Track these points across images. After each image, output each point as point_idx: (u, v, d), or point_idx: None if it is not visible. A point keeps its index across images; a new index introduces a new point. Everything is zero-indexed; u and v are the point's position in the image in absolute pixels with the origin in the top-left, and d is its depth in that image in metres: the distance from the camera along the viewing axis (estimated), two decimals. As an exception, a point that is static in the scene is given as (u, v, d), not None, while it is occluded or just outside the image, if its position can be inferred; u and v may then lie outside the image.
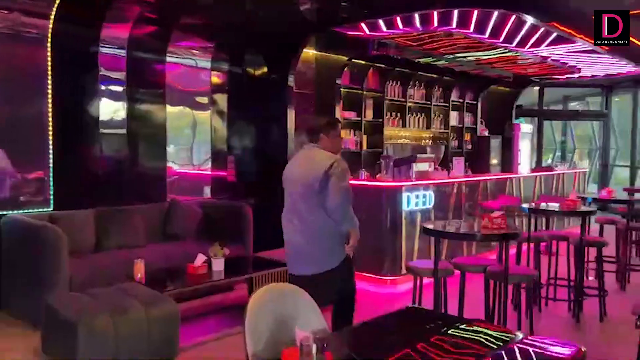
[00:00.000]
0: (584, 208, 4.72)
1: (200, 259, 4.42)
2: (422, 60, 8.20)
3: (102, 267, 4.56)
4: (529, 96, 12.65)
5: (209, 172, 6.81)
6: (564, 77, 10.56)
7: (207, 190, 6.80)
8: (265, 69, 6.92)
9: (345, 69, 7.81)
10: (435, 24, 6.11)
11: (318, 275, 3.20)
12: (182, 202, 5.90)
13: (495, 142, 10.68)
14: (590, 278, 5.53)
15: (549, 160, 13.90)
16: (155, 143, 6.10)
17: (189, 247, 5.17)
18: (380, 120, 8.36)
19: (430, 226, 3.64)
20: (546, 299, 4.98)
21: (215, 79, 6.77)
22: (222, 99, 6.87)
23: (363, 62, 8.09)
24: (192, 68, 6.50)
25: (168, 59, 6.10)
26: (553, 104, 14.35)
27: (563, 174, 9.52)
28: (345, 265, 3.30)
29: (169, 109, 6.19)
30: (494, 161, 10.65)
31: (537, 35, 6.83)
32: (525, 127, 11.78)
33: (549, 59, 8.38)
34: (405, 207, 5.89)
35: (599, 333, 4.56)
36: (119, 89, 5.68)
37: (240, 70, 6.93)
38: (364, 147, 8.12)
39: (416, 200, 6.03)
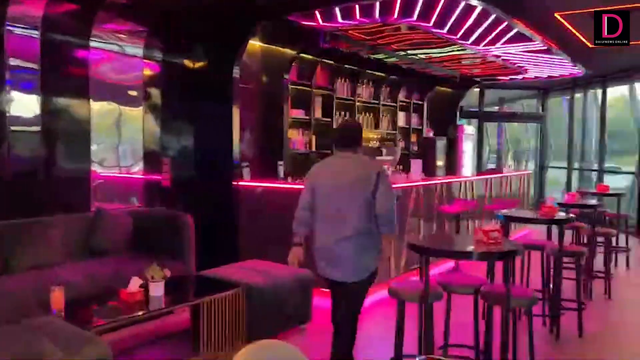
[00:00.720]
0: (562, 215, 4.37)
1: (136, 283, 3.66)
2: (373, 56, 7.73)
3: (8, 295, 3.69)
4: (467, 98, 12.60)
5: (141, 176, 5.98)
6: (507, 78, 10.49)
7: (139, 197, 5.96)
8: (206, 60, 6.15)
9: (293, 64, 7.19)
10: (396, 15, 5.63)
11: (352, 283, 3.23)
12: (109, 211, 5.06)
13: (441, 144, 10.46)
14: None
15: (488, 164, 13.95)
16: (76, 143, 5.20)
17: (120, 266, 4.39)
18: (330, 119, 7.82)
19: (418, 242, 3.10)
20: (519, 314, 4.61)
21: (149, 69, 5.94)
22: (156, 93, 6.04)
23: (311, 57, 7.51)
24: (121, 56, 5.64)
25: (92, 44, 5.22)
26: (488, 106, 14.46)
27: (511, 176, 9.40)
28: (372, 277, 3.28)
29: (94, 103, 5.31)
30: (440, 163, 10.42)
31: (495, 32, 6.54)
32: (469, 129, 11.68)
33: (500, 58, 8.18)
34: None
35: (582, 351, 4.22)
36: (32, 78, 4.76)
37: (178, 59, 6.13)
38: (313, 147, 7.53)
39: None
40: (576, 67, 8.91)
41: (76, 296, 3.57)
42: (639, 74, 9.95)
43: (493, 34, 6.59)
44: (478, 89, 12.21)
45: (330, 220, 3.26)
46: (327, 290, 3.46)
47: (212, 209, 6.01)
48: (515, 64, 8.71)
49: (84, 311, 3.45)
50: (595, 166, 12.07)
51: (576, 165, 12.53)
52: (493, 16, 5.78)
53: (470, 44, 7.07)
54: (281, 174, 6.90)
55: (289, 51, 7.09)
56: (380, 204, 3.18)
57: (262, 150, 7.14)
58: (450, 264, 6.70)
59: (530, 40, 6.87)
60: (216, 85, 6.11)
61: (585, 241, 5.99)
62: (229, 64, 5.95)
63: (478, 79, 10.47)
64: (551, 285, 4.54)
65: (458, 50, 7.53)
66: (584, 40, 7.47)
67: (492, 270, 3.89)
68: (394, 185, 5.71)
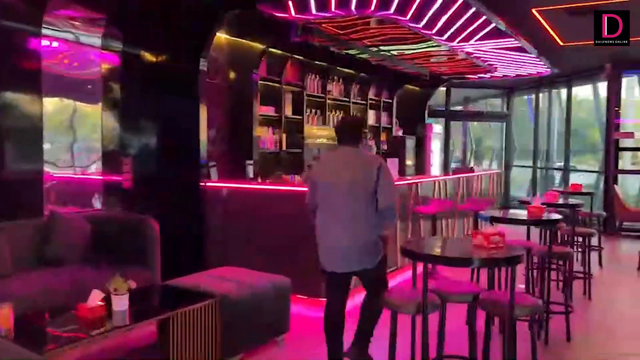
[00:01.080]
0: (552, 216, 4.20)
1: (96, 296, 3.25)
2: (345, 51, 7.48)
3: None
4: (434, 97, 12.53)
5: (99, 177, 5.53)
6: (476, 77, 10.44)
7: (98, 200, 5.51)
8: (170, 52, 5.74)
9: (263, 59, 6.85)
10: (373, 7, 5.38)
11: (360, 271, 3.40)
12: (64, 215, 4.62)
13: (410, 143, 10.31)
14: (521, 286, 5.08)
15: (452, 163, 13.95)
16: (26, 141, 4.73)
17: (77, 277, 3.97)
18: (300, 117, 7.52)
19: (414, 248, 2.84)
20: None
21: (107, 61, 5.50)
22: (115, 87, 5.61)
23: (281, 51, 7.20)
24: (77, 46, 5.19)
25: (45, 32, 4.75)
26: (452, 105, 14.46)
27: (481, 175, 9.32)
28: (382, 263, 3.44)
29: (46, 98, 4.84)
30: (409, 162, 10.27)
31: (471, 28, 6.39)
32: (437, 128, 11.60)
33: (472, 56, 8.07)
34: (343, 216, 5.08)
35: (574, 356, 4.07)
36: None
37: (139, 51, 5.70)
38: (284, 146, 7.22)
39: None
40: (545, 66, 8.89)
41: (27, 313, 3.16)
42: (602, 74, 10.05)
43: (468, 30, 6.44)
44: (445, 88, 12.16)
45: (335, 215, 3.34)
46: (326, 284, 3.62)
47: (177, 212, 5.62)
48: (486, 61, 8.62)
49: (36, 331, 3.04)
50: (556, 165, 12.23)
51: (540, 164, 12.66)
52: (472, 10, 5.61)
53: (445, 40, 6.91)
54: (250, 174, 6.55)
55: (257, 45, 6.75)
56: (383, 197, 3.28)
57: (229, 149, 6.78)
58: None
59: (504, 37, 6.76)
60: (181, 79, 5.71)
61: (561, 241, 5.90)
62: (195, 56, 5.56)
63: (447, 78, 10.37)
64: (537, 288, 4.38)
65: (431, 46, 7.36)
66: (555, 37, 7.43)
67: (476, 275, 3.66)
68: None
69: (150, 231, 4.63)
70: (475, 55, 8.04)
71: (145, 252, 4.53)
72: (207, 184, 5.69)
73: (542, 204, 4.74)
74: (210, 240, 5.62)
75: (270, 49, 6.94)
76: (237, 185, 5.70)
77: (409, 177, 7.13)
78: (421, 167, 10.66)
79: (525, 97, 13.76)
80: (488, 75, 10.13)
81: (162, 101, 5.70)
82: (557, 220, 4.14)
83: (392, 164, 6.65)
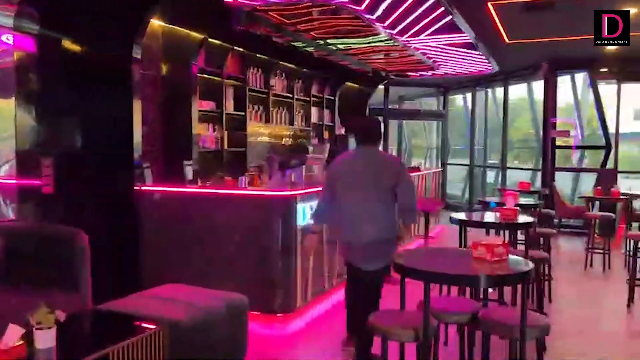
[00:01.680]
0: (525, 219, 3.95)
1: (14, 333, 2.60)
2: (291, 43, 7.01)
3: None
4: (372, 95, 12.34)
5: (13, 181, 4.74)
6: (417, 74, 10.30)
7: (10, 208, 4.72)
8: (97, 36, 5.01)
9: (201, 50, 6.24)
10: (328, -6, 4.96)
11: (380, 269, 3.50)
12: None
13: (353, 141, 9.96)
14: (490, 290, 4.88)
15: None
16: None
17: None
18: (243, 113, 6.97)
19: (406, 262, 2.42)
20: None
21: (22, 47, 4.71)
22: (32, 78, 4.82)
23: (222, 42, 6.61)
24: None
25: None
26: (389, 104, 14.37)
27: (425, 174, 9.16)
28: (388, 267, 3.45)
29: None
30: (352, 161, 9.94)
31: (424, 22, 6.13)
32: (378, 126, 11.36)
33: (419, 52, 7.85)
34: (300, 222, 4.62)
35: None
36: None
37: (61, 36, 4.93)
38: (226, 145, 6.64)
39: (310, 213, 4.80)
40: (488, 64, 8.86)
41: None
42: (538, 74, 10.21)
43: (422, 24, 6.17)
44: (383, 86, 11.99)
45: (357, 210, 3.43)
46: (348, 278, 3.74)
47: (107, 221, 4.93)
48: (431, 58, 8.45)
49: None
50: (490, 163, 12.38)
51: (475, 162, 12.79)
52: (430, 1, 5.32)
53: (396, 34, 6.61)
54: (189, 176, 5.94)
55: (196, 34, 6.13)
56: (404, 198, 3.42)
57: (165, 149, 6.12)
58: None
59: (455, 32, 6.56)
60: (110, 68, 5.02)
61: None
62: (126, 42, 4.89)
63: (389, 75, 10.15)
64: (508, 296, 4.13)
65: (379, 41, 7.05)
66: (503, 34, 7.35)
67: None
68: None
69: (79, 245, 3.93)
70: (422, 51, 7.83)
71: (72, 271, 3.83)
72: (142, 188, 5.04)
73: (498, 203, 4.54)
74: (147, 254, 4.97)
75: (210, 39, 6.34)
76: (177, 190, 5.10)
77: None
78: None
79: (461, 95, 13.90)
80: (430, 72, 10.01)
81: (88, 94, 4.94)
82: (531, 224, 3.90)
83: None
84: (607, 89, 9.58)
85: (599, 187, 8.56)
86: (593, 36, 7.64)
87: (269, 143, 7.83)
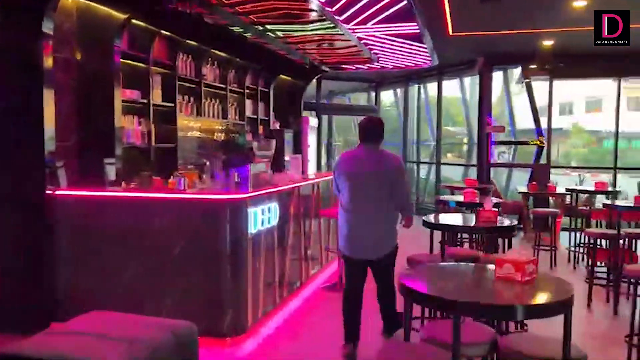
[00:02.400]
0: (506, 222, 3.59)
1: None
2: (231, 27, 6.31)
3: None
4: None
5: None
6: (354, 67, 9.90)
7: None
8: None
9: (124, 31, 5.40)
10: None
11: (383, 257, 3.74)
12: None
13: (289, 137, 9.42)
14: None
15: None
16: None
17: None
18: (173, 104, 6.19)
19: (418, 287, 1.92)
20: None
21: None
22: None
23: (146, 23, 5.80)
24: None
25: None
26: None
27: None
28: (395, 249, 3.80)
29: None
30: (287, 157, 9.37)
31: (375, 8, 5.69)
32: (313, 121, 10.89)
33: (362, 42, 7.42)
34: (252, 228, 4.01)
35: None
36: None
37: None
38: (153, 141, 5.84)
39: (262, 218, 4.20)
40: (429, 57, 8.61)
41: None
42: (473, 69, 10.17)
43: (373, 10, 5.73)
44: (316, 80, 11.52)
45: (361, 203, 3.66)
46: (349, 268, 3.87)
47: (12, 233, 4.09)
48: (372, 50, 8.06)
49: None
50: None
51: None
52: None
53: (343, 20, 6.13)
54: (111, 176, 5.11)
55: (117, 14, 5.28)
56: (403, 190, 3.72)
57: (83, 145, 5.23)
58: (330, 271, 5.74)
59: (406, 21, 6.18)
60: (14, 48, 4.14)
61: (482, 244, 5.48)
62: (33, 16, 4.03)
63: (326, 68, 9.65)
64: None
65: (325, 28, 6.52)
66: (449, 25, 7.10)
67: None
68: (275, 189, 4.52)
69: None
70: (365, 41, 7.41)
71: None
72: (56, 192, 4.21)
73: (457, 202, 4.24)
74: (62, 274, 4.17)
75: (134, 20, 5.52)
76: (101, 194, 4.32)
77: (311, 176, 6.20)
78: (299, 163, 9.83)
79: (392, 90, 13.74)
80: (366, 66, 9.64)
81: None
82: (513, 228, 3.55)
83: (296, 161, 5.72)
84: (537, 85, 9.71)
85: (534, 183, 8.59)
86: (531, 31, 7.74)
87: (199, 138, 7.08)
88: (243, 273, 3.93)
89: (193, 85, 6.79)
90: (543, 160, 9.55)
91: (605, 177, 9.58)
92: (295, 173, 5.49)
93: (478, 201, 5.00)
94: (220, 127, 7.63)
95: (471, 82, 11.87)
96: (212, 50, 7.20)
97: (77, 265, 4.16)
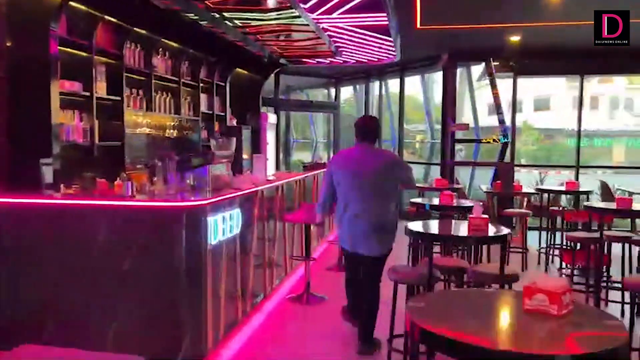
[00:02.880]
0: (502, 230, 3.25)
1: None
2: (184, 14, 5.74)
3: None
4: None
5: None
6: (314, 61, 9.47)
7: None
8: None
9: (61, 15, 4.77)
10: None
11: (385, 255, 3.87)
12: None
13: (247, 134, 8.89)
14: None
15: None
16: None
17: None
18: (119, 98, 5.59)
19: (433, 327, 1.51)
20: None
21: None
22: None
23: (88, 8, 5.19)
24: None
25: None
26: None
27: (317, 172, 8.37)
28: (388, 253, 3.92)
29: None
30: (246, 156, 8.86)
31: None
32: (272, 118, 10.41)
33: (326, 33, 7.00)
34: (211, 239, 3.52)
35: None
36: None
37: None
38: (97, 138, 5.23)
39: (223, 226, 3.71)
40: (394, 52, 8.28)
41: None
42: (437, 65, 9.94)
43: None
44: (274, 75, 11.02)
45: (360, 200, 3.75)
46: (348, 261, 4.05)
47: None
48: (336, 42, 7.66)
49: None
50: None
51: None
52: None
53: (307, 9, 5.68)
54: (48, 178, 4.48)
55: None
56: (406, 180, 3.92)
57: (13, 143, 4.58)
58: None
59: (375, 11, 5.80)
60: None
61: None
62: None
63: (284, 61, 9.18)
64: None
65: (286, 17, 6.06)
66: (418, 17, 6.78)
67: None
68: (238, 194, 4.05)
69: None
70: (329, 33, 6.99)
71: None
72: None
73: (432, 206, 3.96)
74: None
75: (72, 3, 4.90)
76: (34, 201, 3.72)
77: (271, 177, 5.71)
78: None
79: (352, 87, 13.40)
80: (328, 60, 9.23)
81: None
82: (505, 236, 3.21)
83: (260, 161, 5.24)
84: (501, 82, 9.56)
85: (499, 182, 8.40)
86: (499, 25, 7.53)
87: (149, 135, 6.48)
88: (202, 291, 3.43)
89: (142, 77, 6.20)
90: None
91: (568, 176, 9.55)
92: (259, 174, 5.00)
93: (455, 204, 4.67)
94: (172, 124, 7.05)
95: (429, 80, 11.70)
96: (164, 40, 6.62)
97: (6, 287, 3.56)
